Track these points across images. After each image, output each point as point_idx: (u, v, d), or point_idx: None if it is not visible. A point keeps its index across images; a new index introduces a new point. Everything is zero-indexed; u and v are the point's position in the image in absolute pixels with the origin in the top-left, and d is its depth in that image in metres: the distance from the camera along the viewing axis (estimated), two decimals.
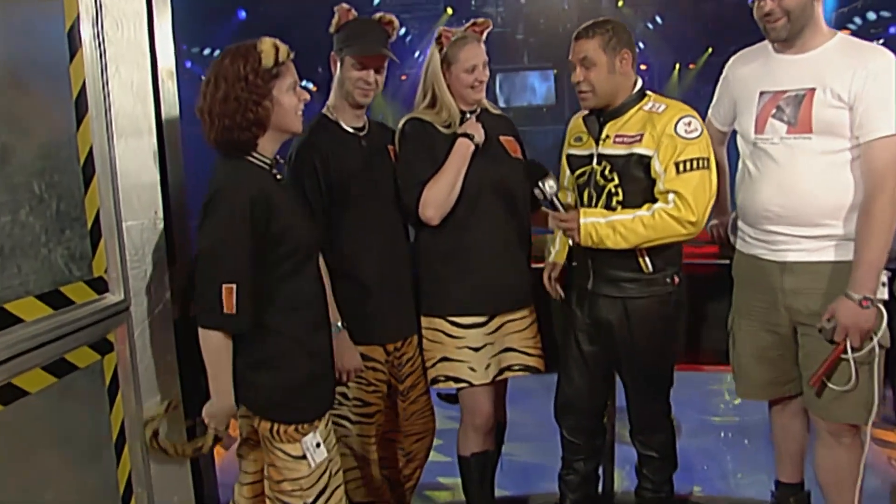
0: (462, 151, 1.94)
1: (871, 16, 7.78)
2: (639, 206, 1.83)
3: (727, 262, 2.05)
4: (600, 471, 2.23)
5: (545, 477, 2.37)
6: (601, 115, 1.91)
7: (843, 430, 1.85)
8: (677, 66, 9.50)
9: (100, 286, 1.61)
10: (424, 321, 2.04)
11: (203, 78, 1.54)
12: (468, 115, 2.02)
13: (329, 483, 1.66)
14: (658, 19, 7.79)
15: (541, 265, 2.17)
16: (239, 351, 1.54)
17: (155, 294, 1.73)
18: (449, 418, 2.26)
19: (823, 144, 1.76)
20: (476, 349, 2.01)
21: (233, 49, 1.54)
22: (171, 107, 1.80)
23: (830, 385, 1.79)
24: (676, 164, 1.78)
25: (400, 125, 2.03)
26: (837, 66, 1.74)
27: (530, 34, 8.86)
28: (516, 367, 2.06)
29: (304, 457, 1.60)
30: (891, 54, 1.74)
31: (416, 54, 7.94)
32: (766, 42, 1.88)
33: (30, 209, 1.42)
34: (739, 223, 1.97)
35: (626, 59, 1.86)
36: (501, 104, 7.42)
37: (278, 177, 1.61)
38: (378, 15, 1.94)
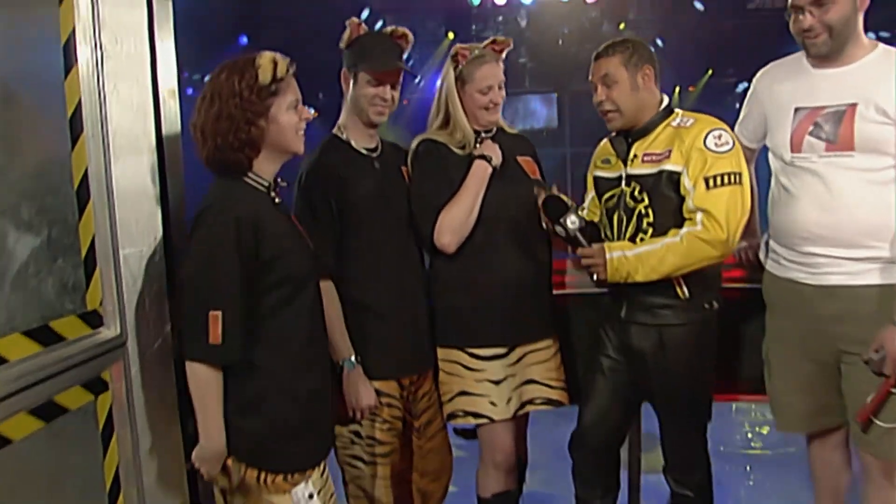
0: (479, 174, 1.86)
1: (871, 36, 7.82)
2: (671, 227, 1.76)
3: (754, 286, 1.97)
4: None
5: None
6: (628, 136, 1.86)
7: (895, 469, 1.72)
8: (677, 88, 9.56)
9: (94, 320, 1.51)
10: (441, 353, 1.95)
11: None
12: (483, 136, 1.95)
13: None
14: (658, 42, 7.83)
15: (563, 291, 2.08)
16: (225, 390, 1.45)
17: (154, 328, 1.64)
18: (455, 446, 2.14)
19: (866, 162, 1.68)
20: (496, 382, 1.92)
21: (230, 64, 1.47)
22: (172, 127, 1.72)
23: (878, 422, 1.67)
24: (706, 180, 1.72)
25: (413, 146, 1.96)
26: (881, 79, 1.67)
27: (531, 58, 8.88)
28: (538, 401, 1.97)
29: None
30: None
31: (418, 79, 7.93)
32: (799, 54, 1.81)
33: (18, 236, 1.32)
34: (772, 244, 1.88)
35: (648, 75, 1.81)
36: None
37: (276, 200, 1.53)
38: (390, 28, 1.87)
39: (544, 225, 1.84)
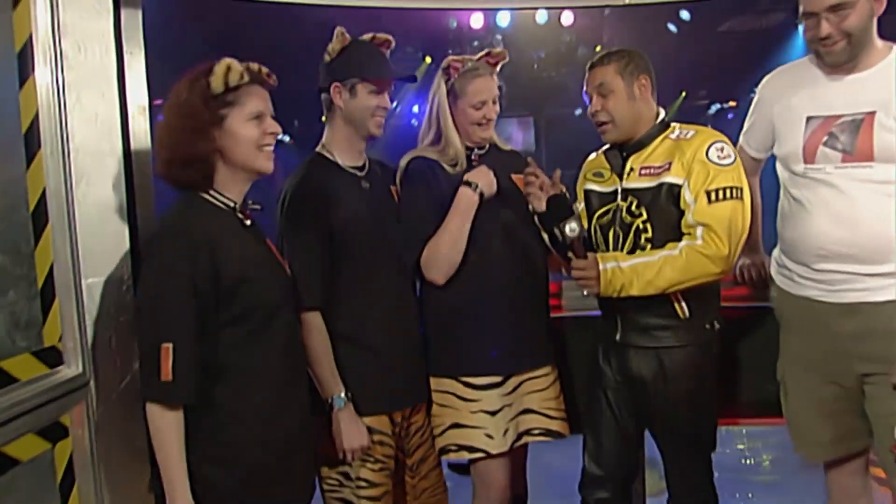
0: (463, 207, 1.78)
1: None
2: (669, 242, 1.70)
3: (757, 304, 1.93)
4: None
5: None
6: (623, 149, 1.80)
7: None
8: None
9: (52, 358, 1.41)
10: (432, 382, 1.85)
11: None
12: (475, 153, 1.88)
13: None
14: None
15: (560, 314, 2.01)
16: (192, 436, 1.34)
17: (121, 366, 1.52)
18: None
19: (885, 173, 1.61)
20: (492, 413, 1.82)
21: (189, 72, 1.37)
22: (142, 145, 1.61)
23: None
24: (708, 193, 1.66)
25: (402, 164, 1.87)
26: None
27: (508, 82, 8.88)
28: (536, 432, 1.88)
29: None
30: None
31: (395, 104, 7.89)
32: (806, 59, 1.74)
33: None
34: (784, 261, 1.79)
35: (644, 85, 1.76)
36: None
37: (247, 222, 1.42)
38: (370, 35, 1.78)
39: (537, 221, 1.78)
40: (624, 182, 1.77)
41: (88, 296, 1.45)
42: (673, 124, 1.79)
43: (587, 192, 1.88)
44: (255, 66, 1.40)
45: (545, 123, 9.85)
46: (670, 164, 1.71)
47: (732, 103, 8.65)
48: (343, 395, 1.64)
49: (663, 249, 1.69)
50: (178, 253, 1.29)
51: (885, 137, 1.60)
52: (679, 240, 1.70)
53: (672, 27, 7.24)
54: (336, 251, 1.70)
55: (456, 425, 1.82)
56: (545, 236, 1.84)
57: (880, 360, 1.62)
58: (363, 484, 1.72)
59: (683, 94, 9.62)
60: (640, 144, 1.77)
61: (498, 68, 1.89)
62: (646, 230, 1.73)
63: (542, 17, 6.89)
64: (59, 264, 1.42)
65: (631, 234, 1.74)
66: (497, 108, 1.86)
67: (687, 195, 1.68)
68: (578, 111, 8.70)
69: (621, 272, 1.66)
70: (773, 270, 1.85)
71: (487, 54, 1.89)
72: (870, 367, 1.65)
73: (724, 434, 2.30)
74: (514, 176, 1.91)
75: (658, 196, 1.72)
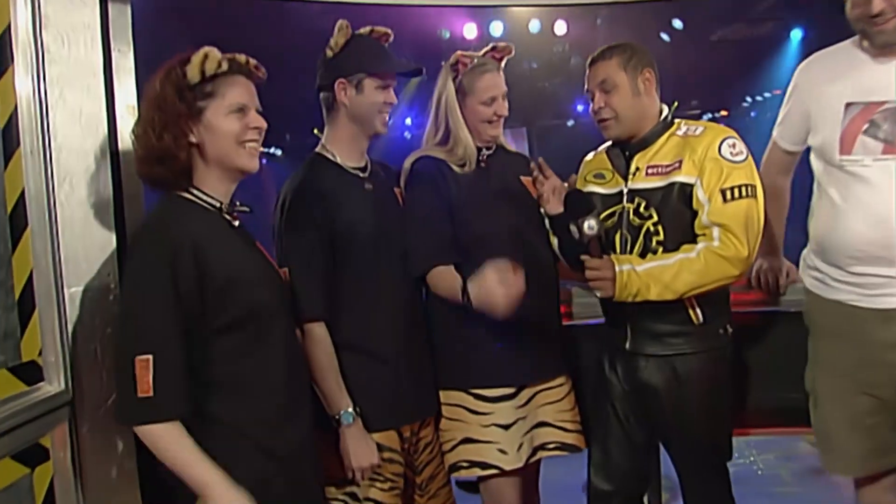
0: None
1: None
2: (682, 245, 1.64)
3: (770, 309, 1.89)
4: None
5: None
6: (626, 148, 1.74)
7: None
8: None
9: (31, 374, 1.34)
10: (441, 395, 1.78)
11: None
12: (484, 154, 1.82)
13: None
14: None
15: (570, 322, 1.96)
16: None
17: (107, 382, 1.45)
18: None
19: None
20: (506, 427, 1.75)
21: (166, 62, 1.29)
22: (130, 145, 1.50)
23: None
24: (723, 192, 1.61)
25: (407, 164, 1.81)
26: None
27: None
28: (552, 446, 1.81)
29: None
30: None
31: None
32: (847, 43, 1.65)
33: None
34: (816, 262, 1.71)
35: (649, 79, 1.70)
36: None
37: (235, 223, 1.34)
38: (368, 28, 1.71)
39: (546, 223, 1.74)
40: (630, 183, 1.71)
41: (71, 306, 1.40)
42: (677, 120, 1.74)
43: (588, 195, 1.81)
44: (241, 57, 1.32)
45: (539, 134, 9.86)
46: (680, 162, 1.66)
47: (724, 112, 8.71)
48: (351, 410, 1.57)
49: (679, 252, 1.63)
50: (157, 256, 1.20)
51: None
52: (692, 242, 1.64)
53: (665, 36, 7.28)
54: (339, 256, 1.63)
55: (467, 440, 1.75)
56: (555, 241, 1.78)
57: None
58: None
59: (675, 103, 9.70)
60: (645, 142, 1.71)
61: (503, 63, 1.84)
62: (657, 233, 1.66)
63: (535, 26, 6.91)
64: (40, 271, 1.36)
65: (641, 238, 1.68)
66: (506, 104, 1.81)
67: (700, 194, 1.63)
68: (571, 122, 8.77)
69: (637, 276, 1.61)
70: (803, 272, 1.77)
71: (493, 49, 1.84)
72: None
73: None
74: (523, 178, 1.85)
75: (669, 196, 1.66)
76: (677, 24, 7.24)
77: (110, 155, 1.47)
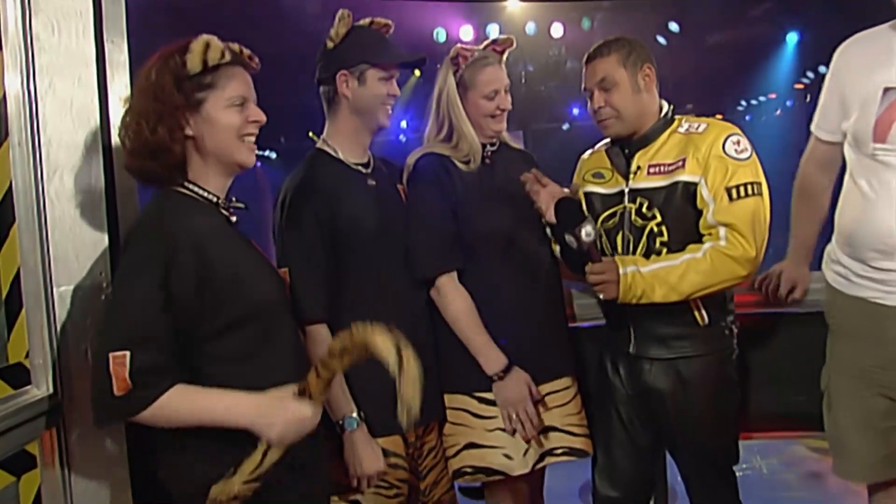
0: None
1: (823, 69, 8.18)
2: (687, 245, 1.62)
3: (771, 311, 1.87)
4: None
5: None
6: (626, 146, 1.70)
7: None
8: None
9: (17, 377, 1.30)
10: (445, 399, 1.74)
11: None
12: (488, 150, 1.79)
13: None
14: None
15: (574, 324, 1.93)
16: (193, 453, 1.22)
17: None
18: None
19: None
20: (510, 431, 1.71)
21: (160, 50, 1.24)
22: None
23: None
24: (728, 190, 1.59)
25: (411, 161, 1.77)
26: None
27: None
28: (559, 451, 1.77)
29: None
30: None
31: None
32: (886, 26, 1.59)
33: None
34: (840, 256, 1.66)
35: (649, 75, 1.68)
36: None
37: (233, 219, 1.30)
38: (368, 20, 1.68)
39: (548, 231, 1.71)
40: (631, 182, 1.68)
41: (60, 306, 1.35)
42: (678, 117, 1.71)
43: (587, 195, 1.79)
44: (235, 46, 1.28)
45: (535, 137, 9.88)
46: (684, 160, 1.63)
47: (719, 116, 8.75)
48: (356, 415, 1.52)
49: (685, 252, 1.60)
50: (151, 254, 1.15)
51: None
52: (697, 242, 1.61)
53: (661, 39, 7.31)
54: (341, 255, 1.59)
55: (471, 445, 1.71)
56: (556, 248, 1.76)
57: None
58: None
59: (671, 106, 9.78)
60: (646, 140, 1.68)
61: (505, 56, 1.81)
62: (661, 233, 1.64)
63: (531, 28, 6.92)
64: (27, 270, 1.32)
65: (644, 239, 1.65)
66: (509, 98, 1.78)
67: (705, 193, 1.60)
68: (566, 126, 8.78)
69: (642, 277, 1.58)
70: (826, 267, 1.72)
71: (494, 42, 1.81)
72: None
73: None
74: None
75: (672, 196, 1.63)
76: (673, 27, 7.28)
77: (103, 149, 1.41)
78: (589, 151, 1.84)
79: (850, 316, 1.64)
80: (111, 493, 1.40)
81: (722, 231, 1.58)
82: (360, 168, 1.66)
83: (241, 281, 1.21)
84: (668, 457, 1.88)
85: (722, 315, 1.67)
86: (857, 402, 1.64)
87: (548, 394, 1.76)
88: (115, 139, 1.43)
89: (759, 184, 1.61)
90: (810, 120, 1.72)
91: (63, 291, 1.35)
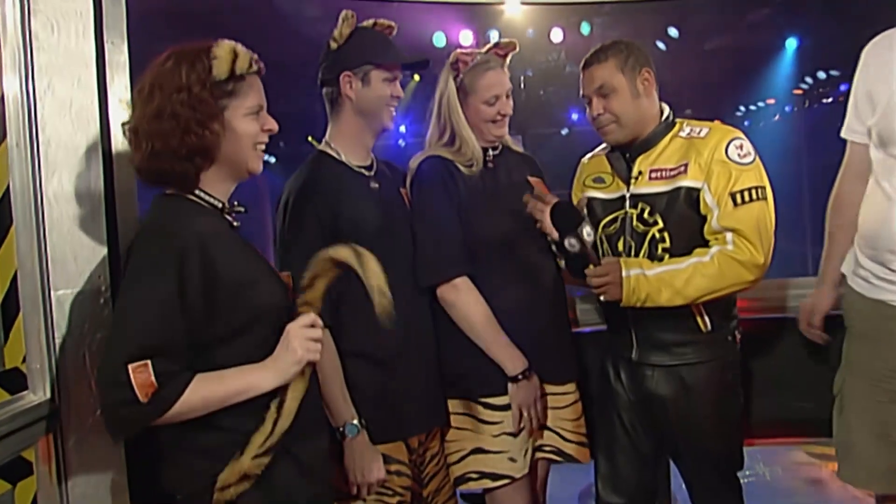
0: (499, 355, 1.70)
1: (822, 75, 8.19)
2: (692, 250, 1.60)
3: (773, 317, 1.87)
4: None
5: None
6: (627, 150, 1.69)
7: None
8: None
9: (14, 382, 1.30)
10: (449, 405, 1.73)
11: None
12: (490, 154, 1.78)
13: None
14: None
15: (575, 329, 1.94)
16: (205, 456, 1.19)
17: (96, 391, 1.36)
18: None
19: None
20: (516, 434, 1.72)
21: (178, 50, 1.21)
22: (125, 141, 1.43)
23: None
24: (732, 196, 1.58)
25: (414, 164, 1.76)
26: None
27: None
28: (547, 449, 1.79)
29: None
30: None
31: None
32: None
33: None
34: (861, 258, 1.63)
35: (648, 79, 1.66)
36: None
37: (235, 224, 1.29)
38: (371, 21, 1.67)
39: (549, 238, 1.70)
40: (632, 187, 1.67)
41: (58, 310, 1.34)
42: (679, 120, 1.69)
43: (588, 201, 1.77)
44: (251, 53, 1.26)
45: (533, 142, 9.90)
46: (686, 165, 1.61)
47: (717, 122, 8.77)
48: (356, 421, 1.50)
49: (692, 256, 1.58)
50: (163, 258, 1.14)
51: None
52: (700, 248, 1.59)
53: (661, 45, 7.33)
54: None
55: (477, 451, 1.71)
56: (562, 263, 1.75)
57: None
58: None
59: (671, 110, 9.81)
60: (647, 144, 1.66)
61: (507, 60, 1.80)
62: (662, 239, 1.62)
63: (530, 33, 6.92)
64: (25, 273, 1.31)
65: (646, 244, 1.64)
66: (511, 102, 1.77)
67: (708, 199, 1.59)
68: (565, 131, 8.78)
69: (647, 280, 1.56)
70: (846, 268, 1.70)
71: (496, 45, 1.79)
72: None
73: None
74: (531, 179, 1.81)
75: (674, 201, 1.61)
76: (673, 32, 7.29)
77: (102, 150, 1.40)
78: (589, 155, 1.83)
79: (868, 319, 1.61)
80: (109, 501, 1.38)
81: (728, 236, 1.57)
82: (362, 170, 1.65)
83: (246, 286, 1.20)
84: (671, 463, 1.87)
85: (725, 321, 1.66)
86: (870, 406, 1.61)
87: (548, 395, 1.75)
88: (114, 140, 1.42)
89: (764, 188, 1.59)
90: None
91: (61, 295, 1.34)
